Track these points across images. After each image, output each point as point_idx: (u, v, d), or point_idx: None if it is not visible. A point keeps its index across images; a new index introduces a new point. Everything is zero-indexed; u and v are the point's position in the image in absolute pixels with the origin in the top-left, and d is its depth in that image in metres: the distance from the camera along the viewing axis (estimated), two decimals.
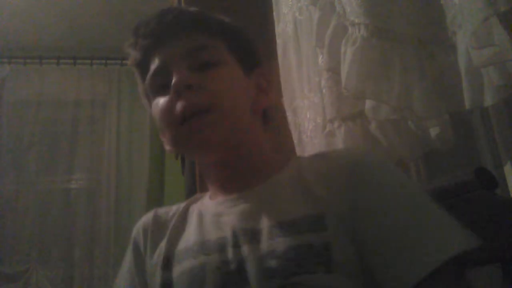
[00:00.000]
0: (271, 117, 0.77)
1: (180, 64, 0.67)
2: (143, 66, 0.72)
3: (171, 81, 0.66)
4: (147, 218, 0.76)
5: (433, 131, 0.98)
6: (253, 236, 0.61)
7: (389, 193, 0.61)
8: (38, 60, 3.03)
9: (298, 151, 1.19)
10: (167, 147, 0.72)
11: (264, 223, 0.62)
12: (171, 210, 0.76)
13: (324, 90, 1.06)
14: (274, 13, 1.35)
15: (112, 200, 2.88)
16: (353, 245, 0.57)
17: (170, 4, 2.21)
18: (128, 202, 2.87)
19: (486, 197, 0.74)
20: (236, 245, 0.61)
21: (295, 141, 1.21)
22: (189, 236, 0.68)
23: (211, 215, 0.69)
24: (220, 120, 0.65)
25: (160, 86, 0.69)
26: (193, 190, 1.74)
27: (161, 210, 0.77)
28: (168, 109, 0.66)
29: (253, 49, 0.77)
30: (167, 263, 0.67)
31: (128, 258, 0.75)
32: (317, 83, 1.10)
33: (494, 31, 0.74)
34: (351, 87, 0.89)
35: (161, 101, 0.68)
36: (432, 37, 0.88)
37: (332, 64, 0.99)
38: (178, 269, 0.64)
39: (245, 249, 0.60)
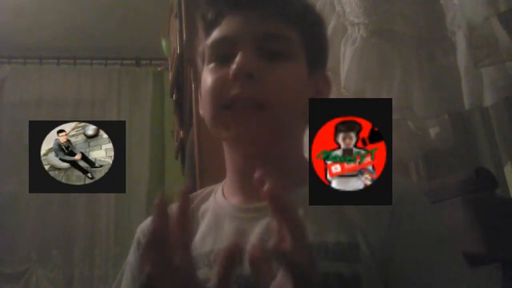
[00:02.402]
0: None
1: (249, 44, 0.61)
2: (210, 25, 0.66)
3: (233, 54, 0.60)
4: (150, 222, 0.69)
5: (433, 131, 0.98)
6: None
7: (427, 244, 0.57)
8: (38, 60, 3.03)
9: None
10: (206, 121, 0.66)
11: None
12: None
13: None
14: None
15: (112, 200, 2.88)
16: (383, 282, 0.55)
17: (170, 4, 2.21)
18: (128, 202, 2.87)
19: (486, 197, 0.74)
20: None
21: None
22: (203, 240, 0.63)
23: (229, 221, 0.63)
24: (268, 120, 0.60)
25: (219, 54, 0.63)
26: (193, 190, 1.73)
27: None
28: (220, 88, 0.61)
29: (325, 47, 0.70)
30: None
31: (131, 260, 0.70)
32: None
33: (494, 31, 0.74)
34: (350, 87, 0.89)
35: (215, 75, 0.62)
36: (432, 37, 0.88)
37: (331, 64, 0.99)
38: None
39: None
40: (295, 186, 0.63)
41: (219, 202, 0.68)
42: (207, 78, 0.63)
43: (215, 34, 0.64)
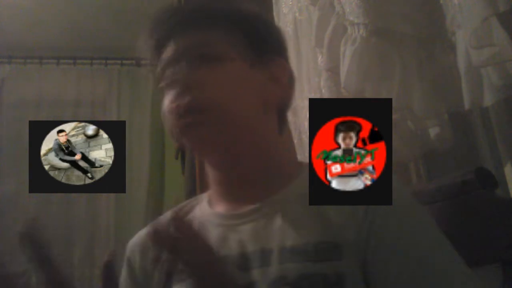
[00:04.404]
0: (286, 117, 0.70)
1: (179, 60, 0.64)
2: (155, 56, 0.69)
3: (174, 75, 0.64)
4: (145, 235, 0.69)
5: (433, 131, 0.98)
6: (263, 258, 0.58)
7: (407, 237, 0.57)
8: (38, 60, 3.03)
9: (298, 152, 1.19)
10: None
11: (275, 244, 0.58)
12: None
13: (323, 90, 1.06)
14: (274, 13, 1.36)
15: (112, 200, 2.88)
16: (364, 278, 0.55)
17: (170, 4, 2.21)
18: (128, 202, 2.87)
19: (486, 197, 0.74)
20: (245, 268, 0.58)
21: (295, 141, 1.21)
22: None
23: (213, 229, 0.64)
24: (216, 121, 0.61)
25: (167, 81, 0.66)
26: (193, 190, 1.74)
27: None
28: (168, 107, 0.63)
29: (267, 35, 0.70)
30: (168, 280, 0.61)
31: (123, 280, 0.69)
32: (317, 83, 1.10)
33: (494, 31, 0.74)
34: (350, 87, 0.89)
35: (165, 99, 0.65)
36: (432, 37, 0.88)
37: (331, 64, 0.99)
38: None
39: (254, 273, 0.57)
40: (276, 189, 0.64)
41: (203, 211, 0.69)
42: (163, 107, 0.66)
43: (157, 68, 0.68)
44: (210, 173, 0.69)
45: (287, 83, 0.69)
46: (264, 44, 0.69)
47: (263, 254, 0.58)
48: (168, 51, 0.66)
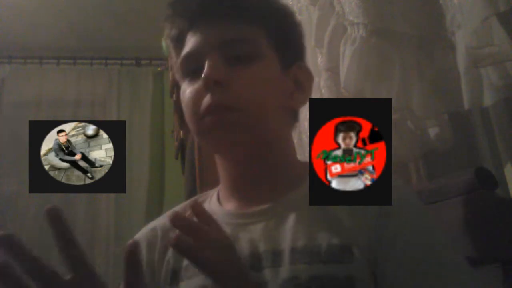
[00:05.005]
0: (298, 116, 0.71)
1: (213, 54, 0.62)
2: (177, 42, 0.68)
3: (202, 67, 0.61)
4: (150, 230, 0.70)
5: (433, 131, 0.98)
6: (274, 258, 0.58)
7: (415, 244, 0.57)
8: (38, 60, 3.03)
9: (298, 152, 1.19)
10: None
11: (286, 244, 0.58)
12: None
13: (323, 90, 1.06)
14: None
15: (112, 200, 2.88)
16: (374, 281, 0.55)
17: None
18: (128, 202, 2.87)
19: (486, 197, 0.74)
20: (256, 268, 0.58)
21: (295, 141, 1.21)
22: None
23: (224, 227, 0.62)
24: (244, 120, 0.61)
25: (191, 70, 0.65)
26: (193, 190, 1.74)
27: (161, 221, 0.70)
28: (194, 100, 0.62)
29: (297, 39, 0.70)
30: (175, 277, 0.62)
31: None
32: (317, 83, 1.10)
33: (494, 31, 0.74)
34: (350, 87, 0.89)
35: (189, 89, 0.64)
36: (431, 37, 0.88)
37: (331, 64, 1.00)
38: (186, 286, 0.60)
39: (266, 273, 0.57)
40: (287, 189, 0.64)
41: (213, 208, 0.68)
42: (184, 93, 0.65)
43: (183, 52, 0.66)
44: (223, 170, 0.68)
45: (310, 93, 0.69)
46: (294, 47, 0.69)
47: (274, 254, 0.58)
48: (194, 42, 0.65)
